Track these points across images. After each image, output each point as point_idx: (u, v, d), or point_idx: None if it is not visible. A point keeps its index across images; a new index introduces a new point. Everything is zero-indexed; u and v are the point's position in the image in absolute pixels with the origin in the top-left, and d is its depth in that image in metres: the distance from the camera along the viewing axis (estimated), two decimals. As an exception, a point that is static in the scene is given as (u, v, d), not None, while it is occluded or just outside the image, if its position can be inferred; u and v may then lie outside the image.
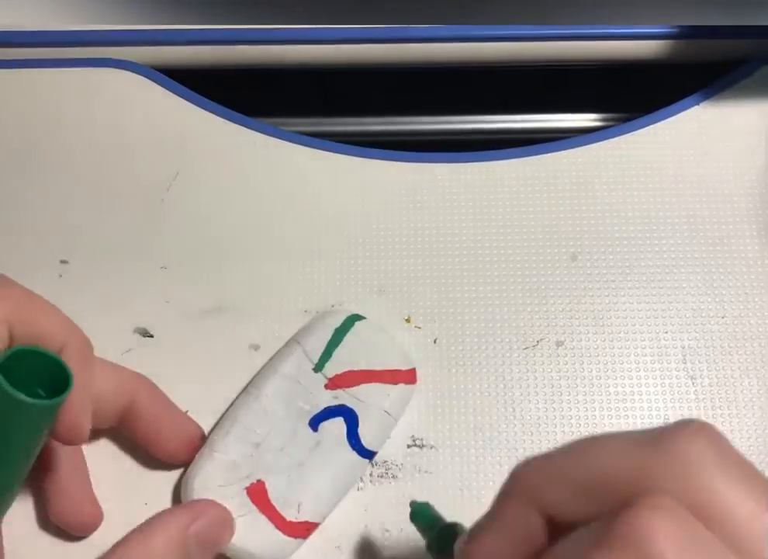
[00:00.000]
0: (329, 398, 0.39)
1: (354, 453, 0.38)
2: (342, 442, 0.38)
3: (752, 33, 0.47)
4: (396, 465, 0.40)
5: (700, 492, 0.20)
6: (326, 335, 0.40)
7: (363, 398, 0.39)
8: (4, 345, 0.30)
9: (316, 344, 0.40)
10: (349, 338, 0.40)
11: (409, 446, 0.40)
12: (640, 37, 0.47)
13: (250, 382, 0.41)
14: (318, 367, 0.40)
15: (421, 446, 0.40)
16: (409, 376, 0.40)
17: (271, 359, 0.41)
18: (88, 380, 0.34)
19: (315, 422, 0.39)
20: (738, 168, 0.45)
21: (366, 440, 0.39)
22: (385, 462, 0.40)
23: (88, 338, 0.34)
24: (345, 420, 0.39)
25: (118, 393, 0.37)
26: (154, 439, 0.38)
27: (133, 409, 0.38)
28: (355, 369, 0.40)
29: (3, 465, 0.32)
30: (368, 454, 0.39)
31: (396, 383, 0.40)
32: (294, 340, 0.41)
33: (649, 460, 0.21)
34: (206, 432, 0.40)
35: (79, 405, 0.33)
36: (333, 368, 0.40)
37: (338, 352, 0.40)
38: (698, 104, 0.46)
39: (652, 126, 0.46)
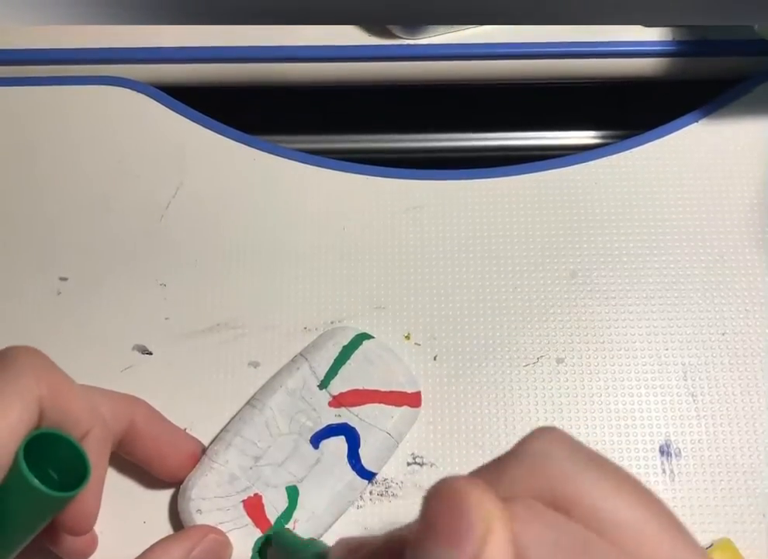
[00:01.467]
0: (332, 416, 0.39)
1: (354, 473, 0.38)
2: (342, 462, 0.38)
3: (751, 50, 0.48)
4: (396, 483, 0.40)
5: (554, 482, 0.21)
6: (334, 352, 0.40)
7: (366, 418, 0.39)
8: (33, 423, 0.31)
9: (323, 360, 0.40)
10: (356, 356, 0.40)
11: (409, 464, 0.40)
12: (639, 55, 0.48)
13: (253, 395, 0.40)
14: (323, 384, 0.40)
15: (421, 464, 0.40)
16: (414, 399, 0.40)
17: (277, 373, 0.41)
18: (104, 470, 0.35)
19: (316, 439, 0.39)
20: (737, 185, 0.45)
21: (366, 461, 0.38)
22: (385, 480, 0.40)
23: (109, 428, 0.35)
24: (347, 439, 0.38)
25: (116, 418, 0.36)
26: (155, 459, 0.38)
27: (132, 431, 0.37)
28: (360, 388, 0.39)
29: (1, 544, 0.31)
30: (367, 475, 0.39)
31: (400, 405, 0.39)
32: (301, 355, 0.41)
33: (506, 467, 0.22)
34: (206, 448, 0.40)
35: (91, 498, 0.33)
36: (338, 386, 0.39)
37: (344, 370, 0.40)
38: (697, 121, 0.46)
39: (650, 143, 0.46)
